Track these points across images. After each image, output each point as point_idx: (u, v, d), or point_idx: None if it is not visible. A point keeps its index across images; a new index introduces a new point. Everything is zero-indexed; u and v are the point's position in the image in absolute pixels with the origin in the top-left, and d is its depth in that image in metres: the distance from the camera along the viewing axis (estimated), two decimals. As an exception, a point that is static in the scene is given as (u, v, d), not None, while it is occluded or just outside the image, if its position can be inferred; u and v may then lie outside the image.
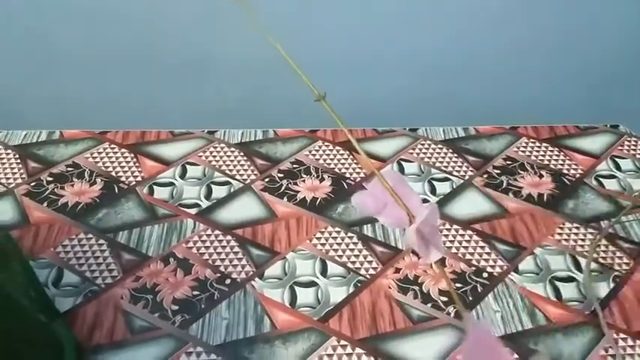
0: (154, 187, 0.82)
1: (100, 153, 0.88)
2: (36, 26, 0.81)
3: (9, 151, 0.88)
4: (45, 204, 0.79)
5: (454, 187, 0.84)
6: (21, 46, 0.85)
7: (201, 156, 0.88)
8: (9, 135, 0.91)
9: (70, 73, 0.88)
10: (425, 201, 0.83)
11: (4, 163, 0.86)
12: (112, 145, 0.89)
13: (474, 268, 0.72)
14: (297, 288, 0.69)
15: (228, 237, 0.75)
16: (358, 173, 0.85)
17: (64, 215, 0.77)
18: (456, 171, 0.87)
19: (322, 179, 0.85)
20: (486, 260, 0.73)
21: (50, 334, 0.60)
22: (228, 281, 0.70)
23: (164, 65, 0.90)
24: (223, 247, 0.74)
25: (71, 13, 0.81)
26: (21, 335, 0.55)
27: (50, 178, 0.83)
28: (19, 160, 0.86)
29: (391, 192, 0.35)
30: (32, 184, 0.82)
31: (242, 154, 0.89)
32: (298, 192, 0.82)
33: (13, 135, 0.91)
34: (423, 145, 0.91)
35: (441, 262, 0.72)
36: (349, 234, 0.76)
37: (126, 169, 0.85)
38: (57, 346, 0.60)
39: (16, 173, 0.84)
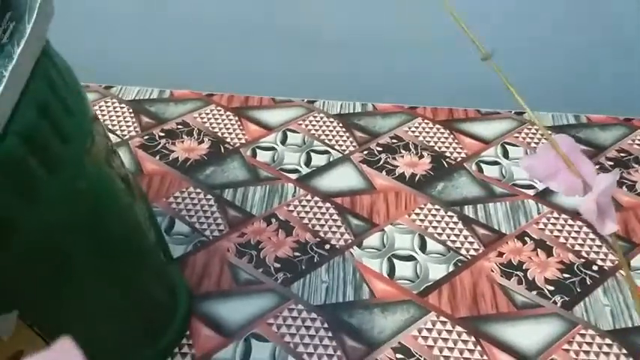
0: (257, 150, 0.85)
1: (207, 114, 0.91)
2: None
3: (123, 105, 0.94)
4: (157, 157, 0.84)
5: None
6: (136, 17, 0.90)
7: (301, 124, 0.90)
8: (123, 90, 0.97)
9: (181, 36, 0.92)
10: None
11: (118, 117, 0.92)
12: (218, 107, 0.93)
13: (583, 260, 0.69)
14: (395, 260, 0.69)
15: (328, 204, 0.76)
16: (459, 153, 0.83)
17: (175, 169, 0.82)
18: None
19: (421, 156, 0.83)
20: (597, 253, 0.69)
21: (168, 274, 0.64)
22: (327, 246, 0.71)
23: (270, 34, 0.92)
24: (322, 213, 0.75)
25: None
26: (148, 266, 0.59)
27: (162, 134, 0.88)
28: (132, 115, 0.92)
29: (565, 160, 0.34)
30: (145, 137, 0.87)
31: (341, 125, 0.89)
32: (397, 167, 0.82)
33: (126, 90, 0.97)
34: (530, 129, 0.87)
35: (548, 251, 0.69)
36: (449, 213, 0.75)
37: (231, 130, 0.88)
38: (172, 287, 0.64)
39: (130, 126, 0.90)
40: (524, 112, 0.90)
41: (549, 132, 0.35)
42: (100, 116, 0.91)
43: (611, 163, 0.82)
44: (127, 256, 0.54)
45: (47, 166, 0.37)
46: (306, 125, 0.89)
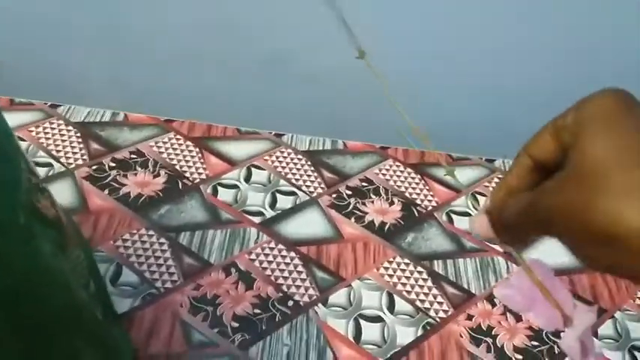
0: (219, 187, 0.79)
1: (164, 142, 0.84)
2: (113, 13, 0.77)
3: (70, 127, 0.85)
4: (106, 191, 0.76)
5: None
6: (95, 29, 0.81)
7: (267, 160, 0.84)
8: (71, 110, 0.88)
9: (139, 58, 0.85)
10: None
11: (64, 141, 0.83)
12: (178, 136, 0.85)
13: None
14: (362, 321, 0.65)
15: (292, 253, 0.72)
16: (430, 201, 0.81)
17: (125, 206, 0.74)
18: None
19: (392, 202, 0.80)
20: (563, 318, 0.68)
21: (107, 335, 0.57)
22: (290, 303, 0.66)
23: (238, 60, 0.86)
24: (287, 263, 0.71)
25: (144, 5, 0.77)
26: (77, 331, 0.53)
27: (113, 164, 0.80)
28: (80, 139, 0.83)
29: (542, 289, 0.31)
30: (94, 167, 0.79)
31: (309, 163, 0.85)
32: (367, 213, 0.78)
33: (75, 110, 0.88)
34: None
35: (517, 315, 0.68)
36: (419, 268, 0.72)
37: (190, 163, 0.82)
38: (113, 348, 0.57)
39: (77, 153, 0.81)
40: (495, 160, 0.89)
41: (523, 259, 0.32)
42: (43, 139, 0.82)
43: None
44: (52, 319, 0.47)
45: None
46: (273, 162, 0.84)
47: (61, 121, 0.85)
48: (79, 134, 0.84)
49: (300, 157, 0.85)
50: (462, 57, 0.78)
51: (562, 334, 0.32)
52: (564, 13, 0.71)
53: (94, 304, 0.56)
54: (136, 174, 0.79)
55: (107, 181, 0.77)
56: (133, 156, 0.81)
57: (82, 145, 0.82)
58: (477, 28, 0.74)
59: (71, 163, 0.79)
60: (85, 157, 0.80)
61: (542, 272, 0.33)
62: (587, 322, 0.31)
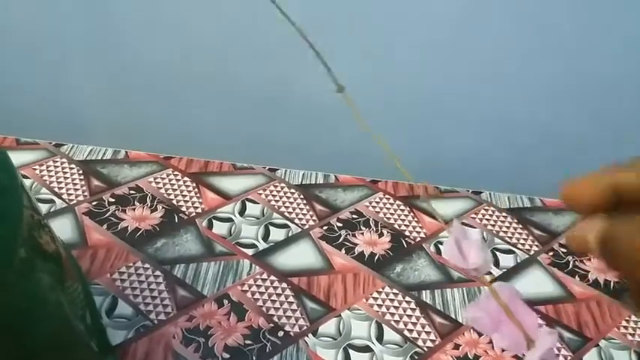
0: (214, 221, 0.82)
1: (163, 178, 0.88)
2: (116, 42, 0.83)
3: (72, 165, 0.89)
4: (105, 226, 0.79)
5: (518, 261, 0.81)
6: (95, 62, 0.87)
7: (261, 194, 0.87)
8: (74, 149, 0.92)
9: (139, 94, 0.90)
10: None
11: (67, 178, 0.87)
12: (176, 172, 0.89)
13: (537, 355, 0.68)
14: (351, 351, 0.67)
15: (284, 284, 0.74)
16: (418, 232, 0.83)
17: (123, 240, 0.77)
18: (521, 244, 0.84)
19: (381, 234, 0.83)
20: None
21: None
22: (281, 333, 0.68)
23: (234, 100, 0.90)
24: (278, 294, 0.72)
25: (153, 34, 0.82)
26: None
27: (112, 199, 0.83)
28: (82, 177, 0.87)
29: (507, 312, 0.33)
30: (94, 203, 0.82)
31: (302, 196, 0.88)
32: (357, 245, 0.80)
33: (78, 149, 0.92)
34: (486, 210, 0.89)
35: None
36: (407, 298, 0.73)
37: (187, 198, 0.85)
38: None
39: (78, 190, 0.85)
40: (482, 192, 0.92)
41: (489, 280, 0.34)
42: (46, 177, 0.86)
43: (565, 250, 0.84)
44: (50, 349, 0.49)
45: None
46: (266, 195, 0.87)
47: (64, 160, 0.89)
48: (80, 171, 0.87)
49: (292, 190, 0.88)
50: (450, 93, 0.82)
51: (524, 356, 0.34)
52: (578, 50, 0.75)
53: (90, 336, 0.58)
54: (134, 209, 0.82)
55: (106, 216, 0.80)
56: (132, 191, 0.85)
57: (83, 182, 0.86)
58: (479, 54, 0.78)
59: (72, 200, 0.83)
60: (86, 193, 0.84)
61: (509, 295, 0.36)
62: (549, 343, 0.33)
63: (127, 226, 0.79)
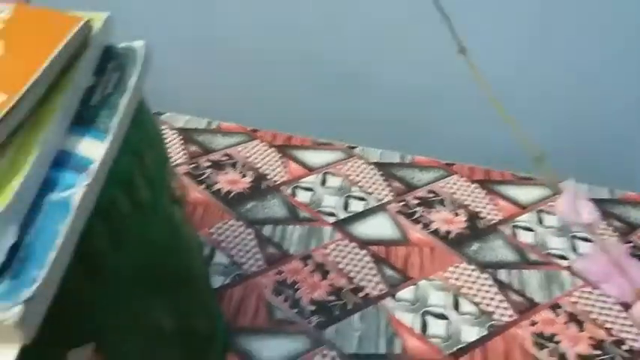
0: (297, 190, 0.88)
1: (252, 148, 0.95)
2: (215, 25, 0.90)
3: (174, 131, 0.98)
4: (202, 186, 0.87)
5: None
6: (194, 39, 0.95)
7: (340, 168, 0.92)
8: (173, 117, 1.01)
9: (234, 69, 0.97)
10: None
11: (167, 143, 0.96)
12: (263, 143, 0.96)
13: (613, 338, 0.69)
14: (428, 317, 0.71)
15: (364, 251, 0.78)
16: (496, 215, 0.85)
17: (218, 200, 0.85)
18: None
19: (457, 214, 0.85)
20: (628, 332, 0.70)
21: (210, 305, 0.66)
22: (361, 294, 0.73)
23: (318, 77, 0.96)
24: (359, 260, 0.77)
25: (249, 13, 0.89)
26: (195, 294, 0.60)
27: (208, 164, 0.91)
28: (182, 142, 0.96)
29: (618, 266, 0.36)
30: (192, 165, 0.91)
31: (380, 173, 0.92)
32: (433, 222, 0.84)
33: (176, 118, 1.01)
34: (564, 198, 0.89)
35: (579, 325, 0.70)
36: (484, 275, 0.76)
37: (273, 167, 0.92)
38: (213, 318, 0.66)
39: (178, 153, 0.93)
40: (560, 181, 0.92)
41: (602, 237, 0.37)
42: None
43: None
44: (185, 285, 0.56)
45: (135, 212, 0.40)
46: (346, 170, 0.92)
47: (165, 126, 0.98)
48: (181, 137, 0.96)
49: (371, 167, 0.93)
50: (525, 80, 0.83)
51: (633, 306, 0.37)
52: None
53: (205, 276, 0.65)
54: (227, 173, 0.90)
55: (202, 178, 0.88)
56: (224, 158, 0.93)
57: (183, 147, 0.94)
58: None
59: (174, 162, 0.91)
60: (185, 157, 0.92)
61: (619, 251, 0.38)
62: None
63: (221, 188, 0.87)
